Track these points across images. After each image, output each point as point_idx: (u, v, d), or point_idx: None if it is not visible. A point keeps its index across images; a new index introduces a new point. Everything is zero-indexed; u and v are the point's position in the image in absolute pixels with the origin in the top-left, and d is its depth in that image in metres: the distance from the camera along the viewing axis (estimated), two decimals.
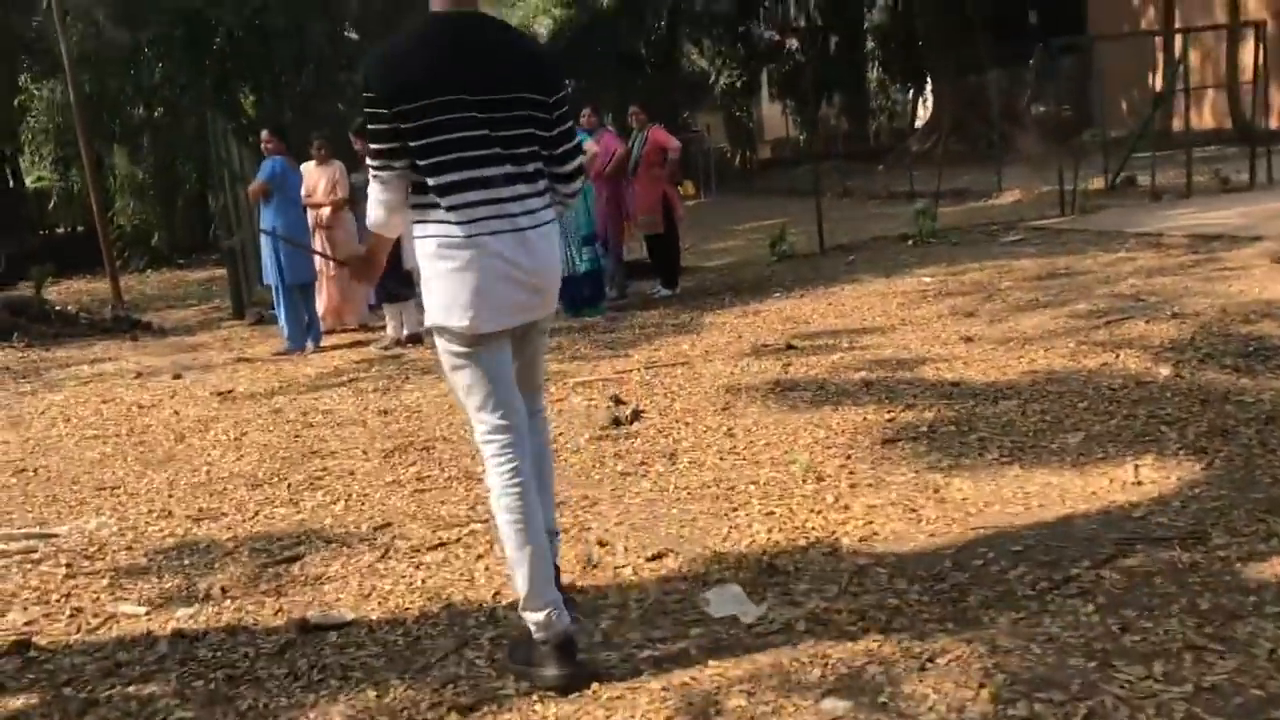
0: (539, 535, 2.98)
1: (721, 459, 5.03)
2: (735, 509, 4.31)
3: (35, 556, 4.47)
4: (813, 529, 4.00)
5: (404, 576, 3.95)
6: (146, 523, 4.87)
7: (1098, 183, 15.23)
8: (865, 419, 5.37)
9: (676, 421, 5.77)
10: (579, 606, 3.47)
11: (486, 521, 4.42)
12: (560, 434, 5.72)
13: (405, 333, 9.38)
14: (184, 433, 6.64)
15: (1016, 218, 13.99)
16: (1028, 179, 17.41)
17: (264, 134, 10.29)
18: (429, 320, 2.99)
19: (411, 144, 2.87)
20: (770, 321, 8.73)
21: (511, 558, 2.98)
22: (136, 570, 4.26)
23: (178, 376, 8.74)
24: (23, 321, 11.50)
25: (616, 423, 5.79)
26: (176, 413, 7.29)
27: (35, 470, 5.99)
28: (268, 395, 7.67)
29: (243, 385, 8.17)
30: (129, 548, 4.54)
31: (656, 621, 3.36)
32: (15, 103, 20.25)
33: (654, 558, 3.88)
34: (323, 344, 9.79)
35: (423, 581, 3.88)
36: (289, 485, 5.30)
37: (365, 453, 5.77)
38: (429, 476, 5.20)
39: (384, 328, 9.65)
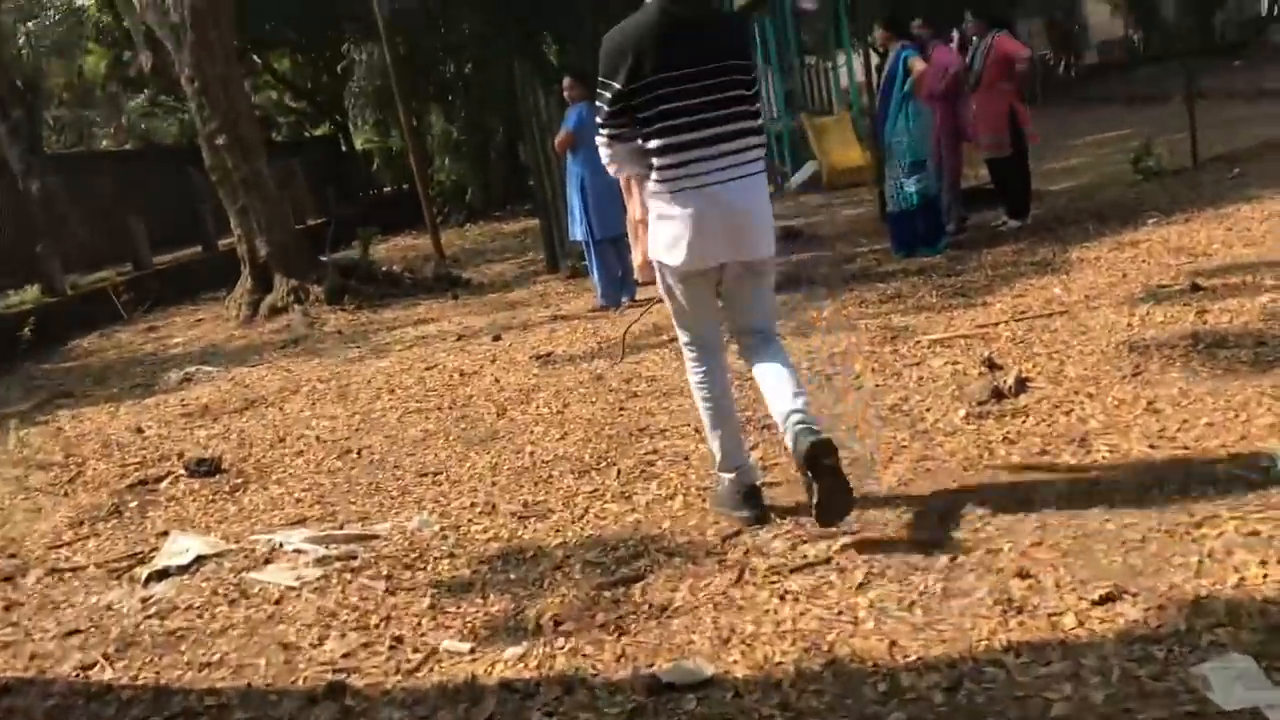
0: (730, 419, 3.88)
1: (1151, 446, 3.93)
2: (1197, 525, 3.24)
3: (356, 564, 4.06)
4: None
5: (768, 611, 3.18)
6: (470, 520, 4.39)
7: None
8: None
9: (1075, 393, 4.68)
10: None
11: (857, 533, 3.58)
12: (927, 409, 4.78)
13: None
14: (505, 405, 6.21)
15: None
16: None
17: (566, 81, 9.74)
18: (651, 253, 3.73)
19: (638, 115, 3.55)
20: (1157, 254, 7.30)
21: (708, 435, 3.91)
22: (460, 586, 3.75)
23: (497, 338, 8.43)
24: (352, 283, 11.73)
25: (998, 395, 4.77)
26: (497, 380, 6.90)
27: (359, 452, 5.71)
28: (587, 358, 7.15)
29: (561, 346, 7.72)
30: (451, 554, 4.05)
31: (1137, 712, 2.40)
32: (339, 69, 21.15)
33: (1102, 600, 2.90)
34: (638, 297, 9.23)
35: (793, 622, 3.10)
36: (618, 472, 4.68)
37: (697, 430, 5.06)
38: (775, 463, 4.41)
39: None
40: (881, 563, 3.35)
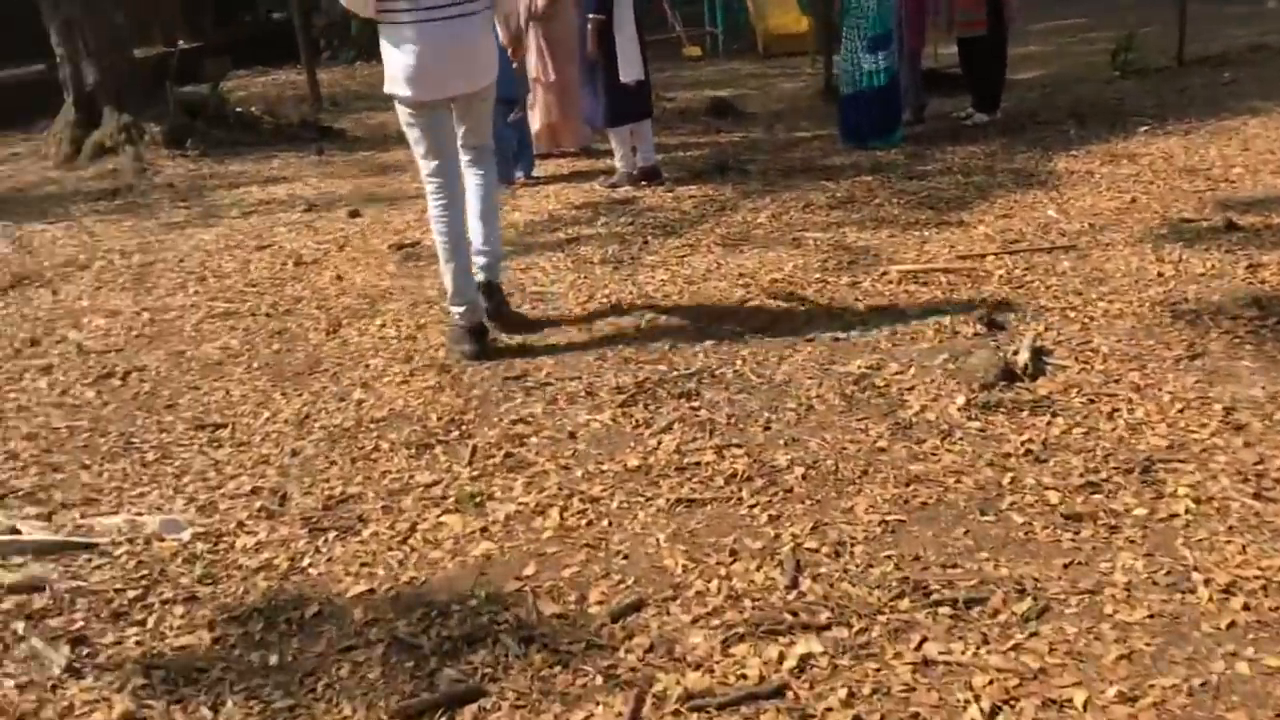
0: (463, 254, 4.13)
1: (1256, 495, 2.66)
2: None
3: (37, 604, 2.59)
4: None
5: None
6: (240, 523, 2.95)
7: None
8: None
9: (1113, 379, 3.39)
10: None
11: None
12: (909, 388, 3.44)
13: (639, 164, 7.12)
14: (340, 318, 4.70)
15: None
16: None
17: None
18: (386, 88, 4.00)
19: None
20: (1164, 174, 6.01)
21: (442, 268, 4.17)
22: (181, 671, 2.32)
23: (355, 214, 6.81)
24: (199, 124, 9.87)
25: (1008, 375, 3.45)
26: (339, 278, 5.36)
27: (126, 375, 4.18)
28: None
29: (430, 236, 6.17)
30: (191, 595, 2.61)
31: None
32: None
33: None
34: (536, 174, 7.66)
35: None
36: (473, 451, 3.28)
37: (591, 392, 3.67)
38: (689, 440, 3.05)
39: (609, 155, 7.40)
40: None
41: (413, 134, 4.06)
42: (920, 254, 4.98)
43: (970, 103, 8.45)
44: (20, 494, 3.18)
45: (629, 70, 6.77)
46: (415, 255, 5.67)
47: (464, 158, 4.21)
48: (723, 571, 2.49)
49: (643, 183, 7.04)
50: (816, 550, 2.54)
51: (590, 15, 6.67)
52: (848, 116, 7.84)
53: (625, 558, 2.59)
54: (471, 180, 4.24)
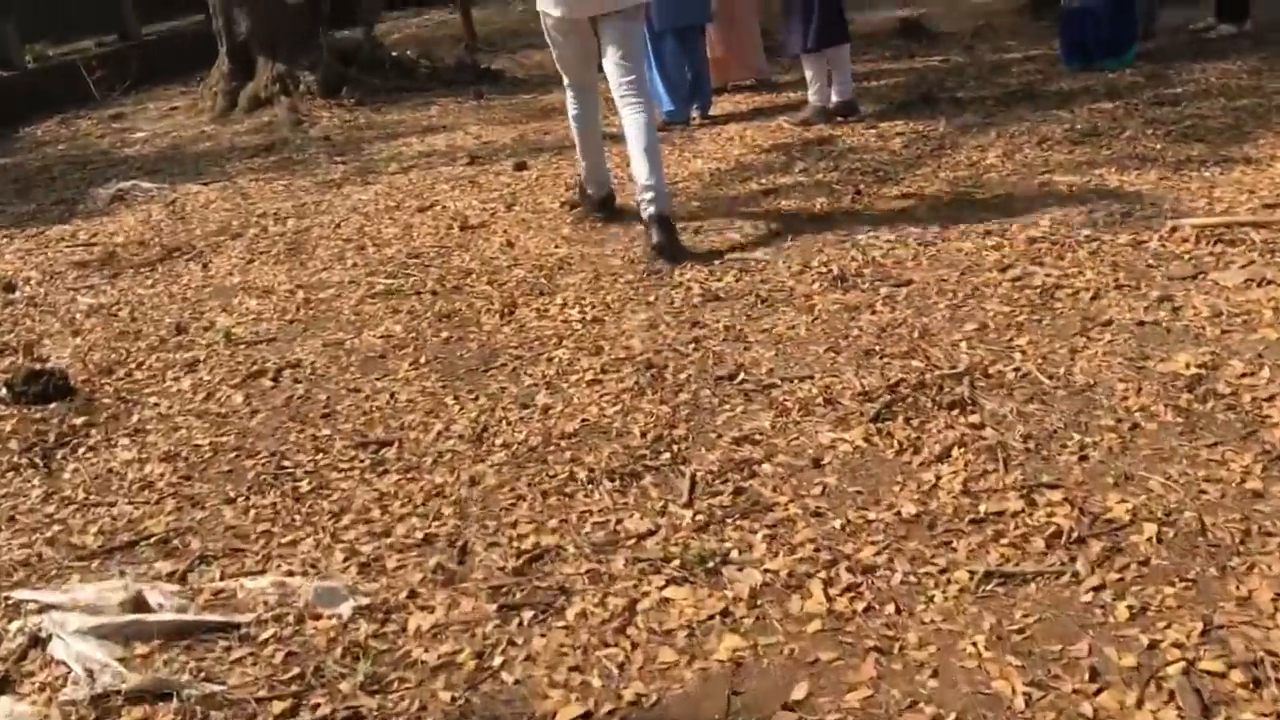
0: (596, 154, 4.69)
1: None
2: None
3: (193, 694, 2.03)
4: None
5: None
6: (416, 596, 2.33)
7: None
8: None
9: None
10: None
11: None
12: (1277, 405, 2.58)
13: (836, 97, 6.25)
14: (515, 297, 4.06)
15: None
16: None
17: None
18: (539, 5, 4.29)
19: None
20: None
21: (579, 158, 4.75)
22: None
23: (521, 166, 6.17)
24: (353, 72, 9.40)
25: None
26: (510, 244, 4.72)
27: (279, 374, 3.63)
28: (625, 208, 4.95)
29: None
30: (367, 687, 2.01)
31: None
32: None
33: None
34: (711, 112, 6.87)
35: None
36: (692, 485, 2.59)
37: (831, 402, 2.93)
38: (977, 475, 2.29)
39: (790, 88, 6.52)
40: None
41: (556, 50, 4.44)
42: (1211, 202, 4.03)
43: (1212, 11, 7.26)
44: (152, 540, 2.64)
45: None
46: (591, 224, 4.98)
47: (617, 92, 4.30)
48: (1086, 709, 1.74)
49: (838, 118, 6.17)
50: (1222, 675, 1.76)
51: None
52: (1071, 31, 6.78)
53: (934, 674, 1.86)
54: (628, 116, 4.29)
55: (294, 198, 6.19)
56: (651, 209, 4.20)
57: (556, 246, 4.60)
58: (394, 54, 9.95)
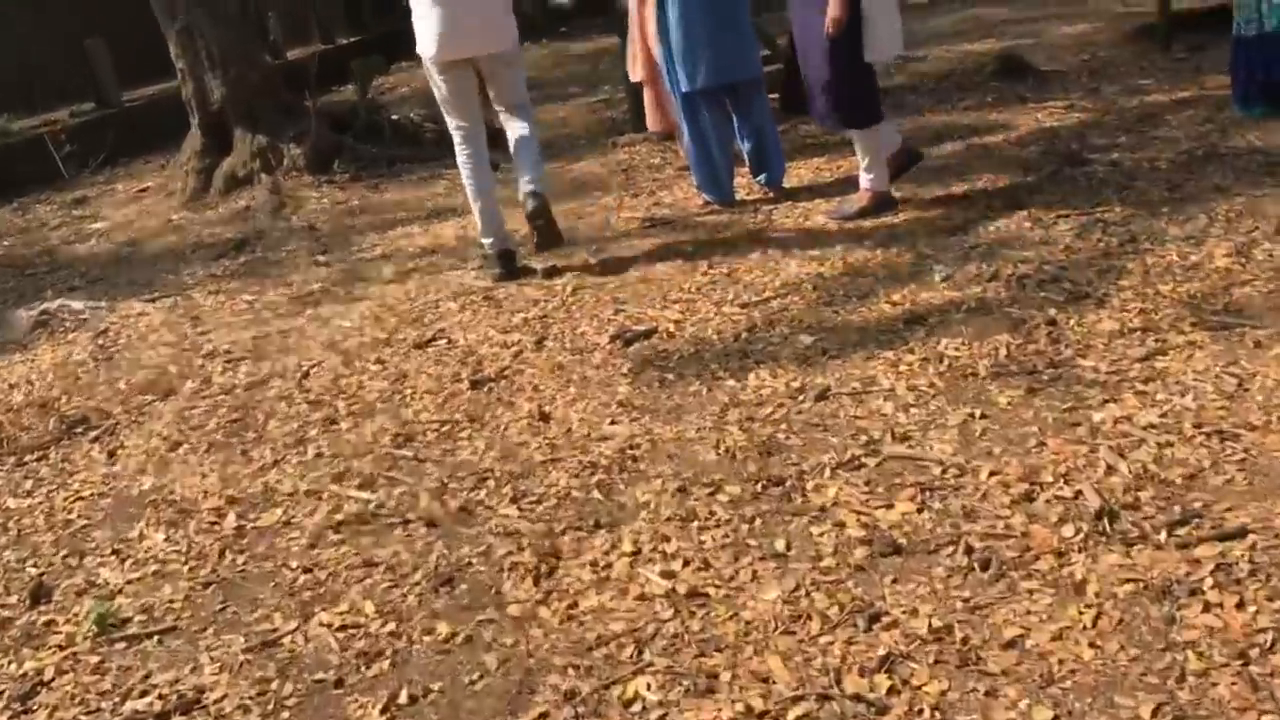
0: (489, 196, 4.66)
1: None
2: None
3: None
4: None
5: None
6: None
7: None
8: None
9: None
10: None
11: None
12: None
13: (872, 186, 4.76)
14: (560, 540, 2.55)
15: None
16: None
17: None
18: (418, 49, 4.51)
19: None
20: None
21: (473, 206, 4.72)
22: None
23: (553, 272, 4.71)
24: (347, 141, 8.00)
25: None
26: (544, 417, 3.24)
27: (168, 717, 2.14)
28: (716, 349, 3.47)
29: (666, 306, 4.03)
30: None
31: None
32: None
33: None
34: (788, 183, 5.39)
35: None
36: None
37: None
38: None
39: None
40: None
41: (438, 92, 4.60)
42: None
43: None
44: None
45: (884, 43, 4.44)
46: (654, 359, 3.50)
47: (502, 114, 4.70)
48: None
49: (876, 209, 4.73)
50: None
51: None
52: (1251, 68, 5.26)
53: None
54: (511, 127, 4.66)
55: (257, 323, 4.74)
56: (530, 187, 4.59)
57: (613, 421, 3.11)
58: (394, 117, 8.54)
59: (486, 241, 4.77)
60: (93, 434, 3.70)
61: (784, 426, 2.87)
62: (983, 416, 2.73)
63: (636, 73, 6.19)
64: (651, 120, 6.38)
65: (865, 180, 4.78)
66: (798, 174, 5.60)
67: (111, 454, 3.50)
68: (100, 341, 4.83)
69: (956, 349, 3.13)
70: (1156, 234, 3.88)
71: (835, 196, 5.14)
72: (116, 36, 12.66)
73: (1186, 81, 6.25)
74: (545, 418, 3.21)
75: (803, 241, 4.53)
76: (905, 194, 4.94)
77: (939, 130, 6.21)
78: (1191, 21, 7.57)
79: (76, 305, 5.42)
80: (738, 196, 5.45)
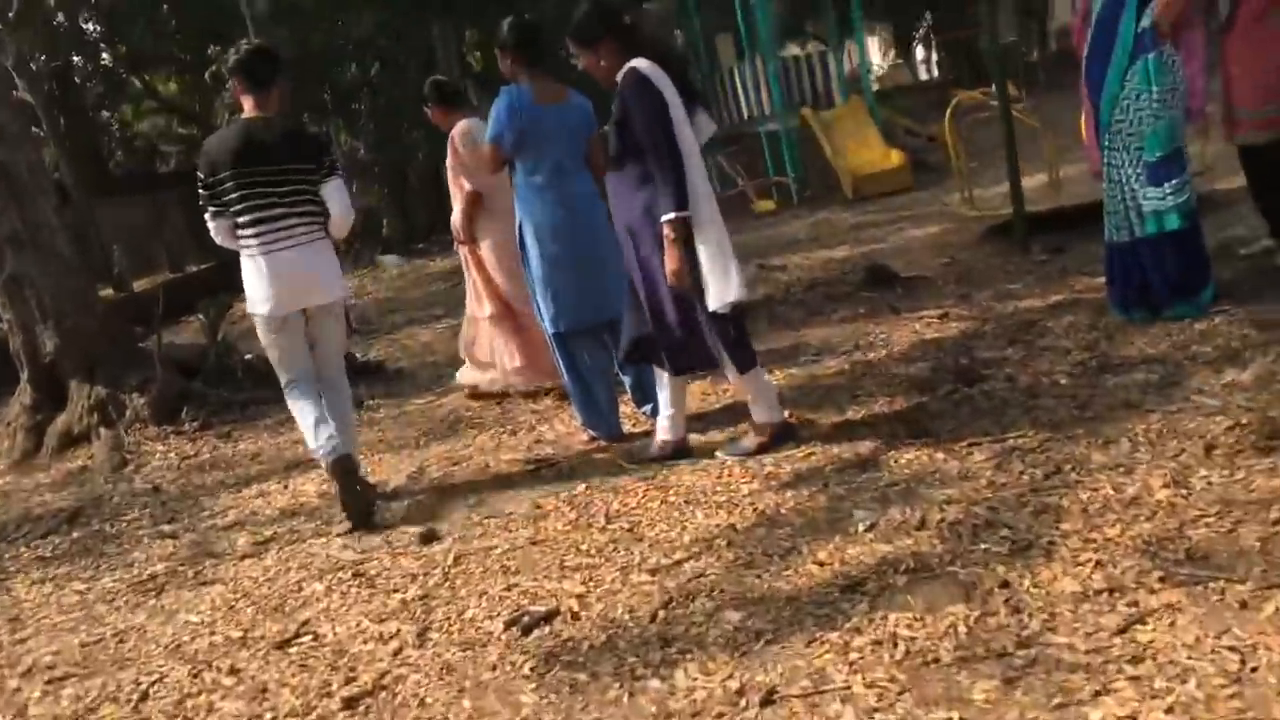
0: (323, 432, 4.57)
1: None
2: None
3: None
4: None
5: None
6: None
7: None
8: None
9: None
10: None
11: None
12: None
13: (765, 418, 4.52)
14: None
15: None
16: None
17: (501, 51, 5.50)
18: (249, 308, 4.69)
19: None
20: None
21: (306, 433, 4.68)
22: None
23: (430, 538, 4.24)
24: (196, 386, 7.44)
25: None
26: None
27: None
28: (617, 631, 3.03)
29: (565, 574, 3.59)
30: None
31: None
32: (206, 76, 16.59)
33: None
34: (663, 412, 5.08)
35: None
36: None
37: None
38: None
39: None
40: None
41: (272, 351, 4.76)
42: None
43: (1269, 232, 5.91)
44: None
45: (725, 288, 4.21)
46: (564, 646, 3.03)
47: (323, 387, 4.80)
48: None
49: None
50: None
51: (662, 216, 4.14)
52: (1125, 274, 5.28)
53: None
54: (328, 396, 4.79)
55: (88, 622, 4.09)
56: (342, 450, 4.56)
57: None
58: (248, 356, 8.03)
59: (323, 451, 4.59)
60: None
61: None
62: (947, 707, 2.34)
63: (483, 309, 5.98)
64: (509, 356, 5.99)
65: (758, 414, 4.50)
66: (695, 394, 5.30)
67: None
68: None
69: (909, 626, 2.75)
70: (1080, 461, 3.66)
71: (727, 426, 4.86)
72: None
73: (1056, 285, 6.29)
74: None
75: (704, 485, 4.18)
76: (801, 420, 4.68)
77: (818, 346, 6.06)
78: (1045, 222, 7.77)
79: None
80: (624, 429, 5.14)
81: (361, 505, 4.54)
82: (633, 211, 4.26)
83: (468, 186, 5.74)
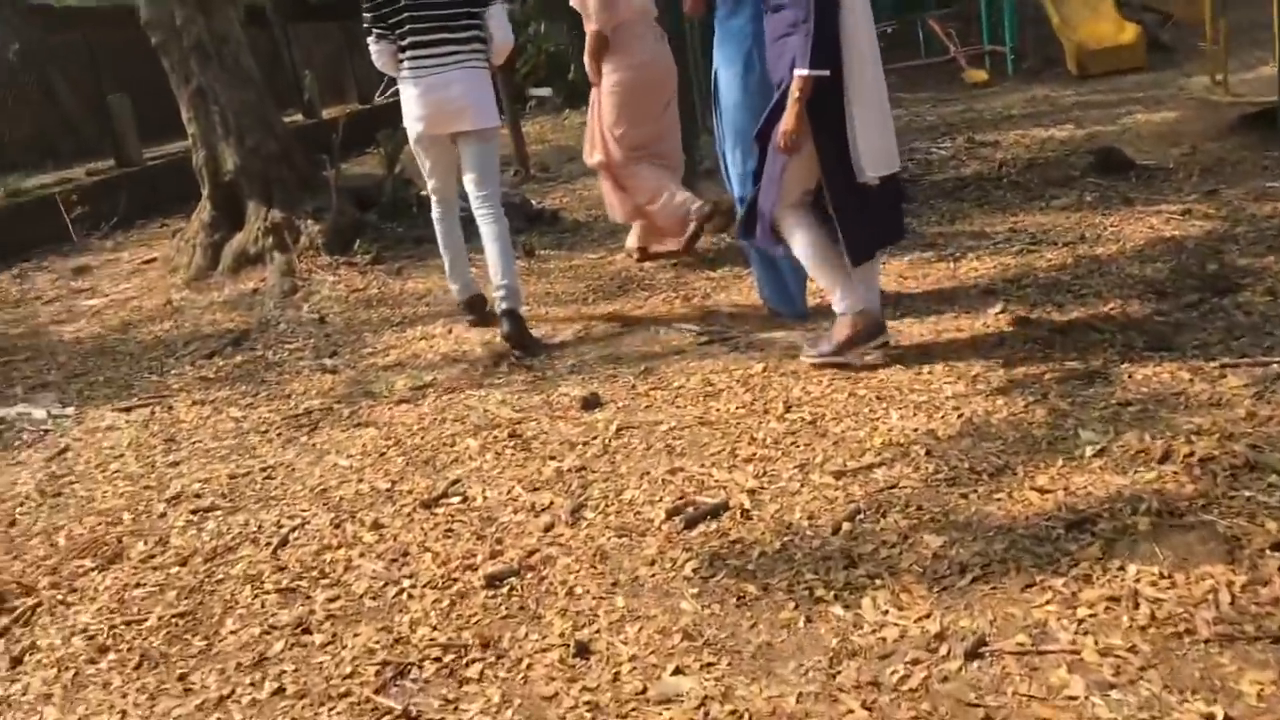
0: (456, 249, 5.08)
1: None
2: None
3: None
4: None
5: None
6: None
7: None
8: None
9: None
10: None
11: None
12: None
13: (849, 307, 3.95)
14: None
15: None
16: None
17: None
18: (405, 122, 4.88)
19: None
20: None
21: (444, 258, 5.12)
22: None
23: (591, 402, 3.92)
24: (371, 218, 7.29)
25: None
26: (582, 649, 2.40)
27: None
28: (794, 539, 2.64)
29: (731, 461, 3.21)
30: None
31: None
32: None
33: None
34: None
35: None
36: None
37: None
38: None
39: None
40: None
41: (421, 160, 4.96)
42: None
43: None
44: None
45: (874, 161, 3.60)
46: (732, 548, 2.67)
47: (473, 203, 4.84)
48: None
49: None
50: None
51: (797, 70, 3.55)
52: None
53: None
54: (483, 226, 4.81)
55: (240, 453, 3.97)
56: (504, 305, 4.67)
57: (677, 669, 2.27)
58: (423, 193, 7.81)
59: (455, 288, 5.18)
60: (3, 621, 2.90)
61: (925, 707, 2.02)
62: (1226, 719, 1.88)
63: (592, 156, 5.87)
64: (613, 209, 5.99)
65: (839, 304, 3.93)
66: (893, 276, 4.78)
67: (16, 661, 2.70)
68: (54, 468, 4.07)
69: (1154, 584, 2.27)
70: None
71: (949, 311, 4.33)
72: (144, 92, 12.07)
73: None
74: (584, 651, 2.37)
75: (901, 380, 3.71)
76: (1010, 318, 4.12)
77: (1035, 234, 5.40)
78: None
79: (38, 414, 4.67)
80: (811, 307, 4.66)
81: (518, 339, 4.67)
82: (781, 59, 3.70)
83: (592, 26, 5.42)
